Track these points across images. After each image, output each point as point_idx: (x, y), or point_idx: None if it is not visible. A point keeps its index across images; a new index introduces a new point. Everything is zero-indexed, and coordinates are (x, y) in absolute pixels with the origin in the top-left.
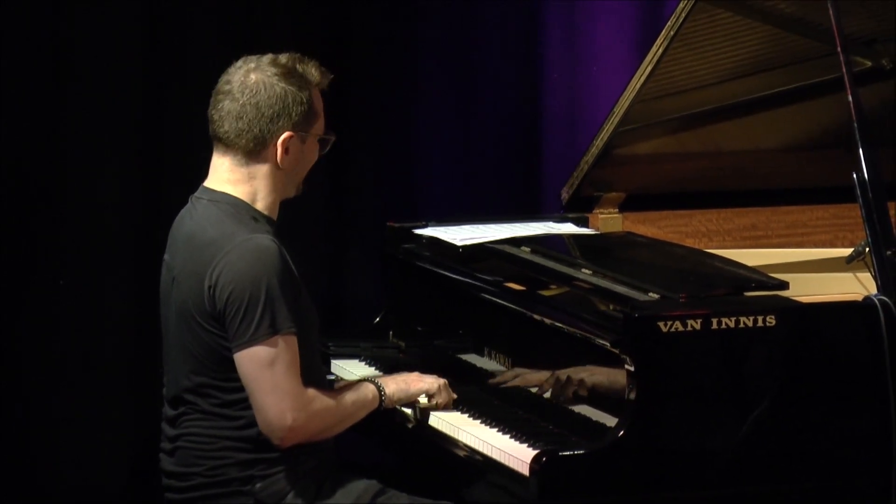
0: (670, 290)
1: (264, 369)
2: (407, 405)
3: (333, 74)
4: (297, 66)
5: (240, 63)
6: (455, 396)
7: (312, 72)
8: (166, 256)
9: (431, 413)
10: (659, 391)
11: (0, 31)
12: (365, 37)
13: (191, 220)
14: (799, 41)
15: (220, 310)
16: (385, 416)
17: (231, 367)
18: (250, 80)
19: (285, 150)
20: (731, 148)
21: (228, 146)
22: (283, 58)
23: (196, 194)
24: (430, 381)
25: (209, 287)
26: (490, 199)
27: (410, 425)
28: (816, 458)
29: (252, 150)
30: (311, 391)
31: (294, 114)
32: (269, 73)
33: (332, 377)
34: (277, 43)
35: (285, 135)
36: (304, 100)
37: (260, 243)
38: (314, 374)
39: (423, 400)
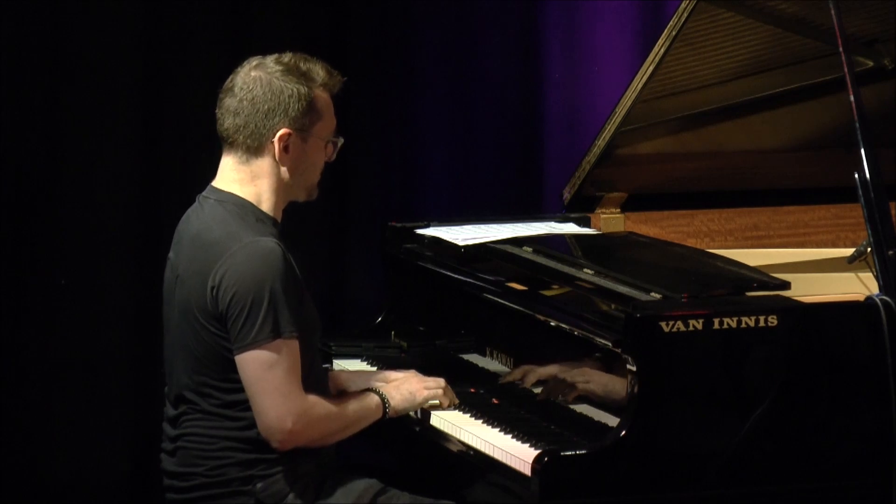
0: (672, 290)
1: (265, 372)
2: None
3: (344, 77)
4: (301, 64)
5: (246, 62)
6: (457, 402)
7: (318, 71)
8: (171, 255)
9: (433, 413)
10: (661, 391)
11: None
12: (365, 37)
13: (197, 220)
14: (800, 41)
15: (222, 311)
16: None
17: (232, 367)
18: (250, 76)
19: (284, 148)
20: (732, 148)
21: (231, 144)
22: (286, 56)
23: (203, 193)
24: (433, 388)
25: (212, 288)
26: (491, 200)
27: (421, 431)
28: (818, 459)
29: (251, 147)
30: (313, 397)
31: (291, 109)
32: (269, 70)
33: (326, 366)
34: (277, 43)
35: (282, 131)
36: (303, 96)
37: (265, 246)
38: (315, 377)
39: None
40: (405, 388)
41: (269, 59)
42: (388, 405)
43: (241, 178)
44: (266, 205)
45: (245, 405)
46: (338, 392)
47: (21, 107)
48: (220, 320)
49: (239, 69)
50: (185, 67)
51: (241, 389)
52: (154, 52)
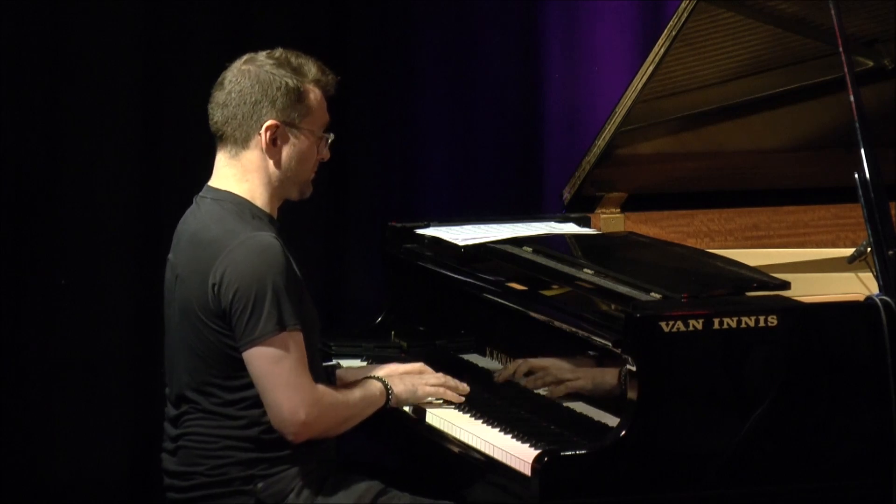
0: (672, 290)
1: (274, 366)
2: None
3: (338, 76)
4: (292, 58)
5: (238, 58)
6: (467, 388)
7: (310, 66)
8: (170, 256)
9: (433, 412)
10: (661, 391)
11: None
12: (365, 37)
13: (194, 220)
14: (800, 41)
15: (224, 308)
16: (388, 415)
17: (234, 365)
18: (241, 70)
19: (272, 141)
20: (732, 148)
21: (221, 138)
22: (278, 51)
23: (200, 194)
24: (436, 385)
25: (213, 285)
26: (491, 200)
27: (422, 430)
28: (818, 458)
29: (238, 139)
30: (321, 387)
31: (278, 101)
32: (259, 63)
33: (333, 363)
34: (278, 43)
35: (269, 122)
36: (291, 89)
37: (263, 241)
38: (315, 373)
39: (430, 399)
40: (409, 380)
41: (261, 54)
42: (391, 392)
43: (235, 174)
44: (260, 201)
45: (246, 403)
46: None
47: (21, 107)
48: (222, 318)
49: (231, 65)
50: (185, 67)
51: (243, 388)
52: (154, 52)
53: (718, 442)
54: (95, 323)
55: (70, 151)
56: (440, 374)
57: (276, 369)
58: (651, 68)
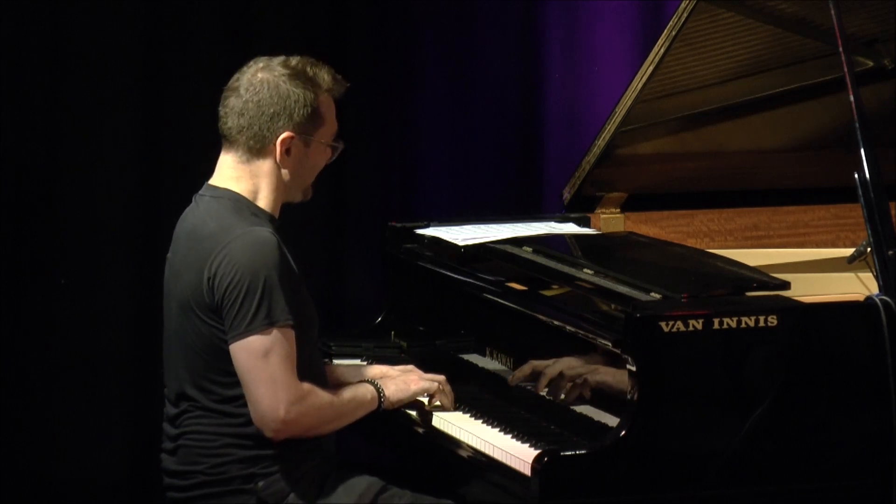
0: (672, 290)
1: (258, 360)
2: (409, 406)
3: (348, 83)
4: (308, 68)
5: (252, 62)
6: (454, 403)
7: (324, 76)
8: (169, 255)
9: (433, 413)
10: (661, 391)
11: None
12: (365, 37)
13: (193, 217)
14: (800, 41)
15: (217, 300)
16: (387, 416)
17: (230, 360)
18: (257, 78)
19: (286, 151)
20: (732, 148)
21: (232, 143)
22: (294, 60)
23: (200, 192)
24: (430, 381)
25: (208, 279)
26: (491, 200)
27: (421, 430)
28: (818, 459)
29: (252, 148)
30: (307, 385)
31: (296, 114)
32: (276, 73)
33: (325, 360)
34: (277, 43)
35: (285, 134)
36: (309, 102)
37: (259, 235)
38: (314, 371)
39: (425, 401)
40: (401, 379)
41: (276, 62)
42: (383, 395)
43: (240, 176)
44: (263, 202)
45: (244, 400)
46: (334, 385)
47: (21, 107)
48: (216, 311)
49: (245, 69)
50: (185, 67)
51: (240, 384)
52: (154, 52)
53: (718, 442)
54: (95, 323)
55: (70, 151)
56: (437, 375)
57: (260, 364)
58: (651, 68)
